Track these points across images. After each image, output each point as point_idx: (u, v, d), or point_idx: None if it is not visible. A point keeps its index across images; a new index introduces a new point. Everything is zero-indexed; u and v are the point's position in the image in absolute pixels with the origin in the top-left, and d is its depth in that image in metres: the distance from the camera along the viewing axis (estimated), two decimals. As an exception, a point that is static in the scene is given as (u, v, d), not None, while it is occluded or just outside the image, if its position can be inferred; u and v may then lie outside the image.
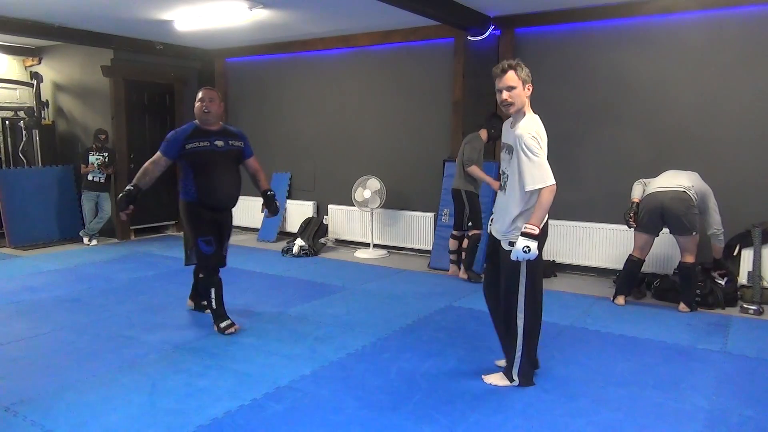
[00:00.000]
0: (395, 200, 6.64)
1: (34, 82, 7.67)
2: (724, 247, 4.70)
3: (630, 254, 4.63)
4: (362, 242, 6.93)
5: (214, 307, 3.96)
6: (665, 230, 4.54)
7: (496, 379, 3.13)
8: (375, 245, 6.71)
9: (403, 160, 6.66)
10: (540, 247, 2.88)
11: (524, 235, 2.81)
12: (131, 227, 7.47)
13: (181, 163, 3.88)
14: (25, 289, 5.02)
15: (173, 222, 8.02)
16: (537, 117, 2.93)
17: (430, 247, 6.35)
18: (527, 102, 2.92)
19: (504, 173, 3.04)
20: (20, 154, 7.50)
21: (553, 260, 5.70)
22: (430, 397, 2.97)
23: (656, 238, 4.58)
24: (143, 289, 4.94)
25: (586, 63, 5.48)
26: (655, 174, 4.68)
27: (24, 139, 7.47)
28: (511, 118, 3.03)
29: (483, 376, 3.18)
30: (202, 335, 3.88)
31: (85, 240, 7.12)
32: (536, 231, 2.80)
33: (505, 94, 2.87)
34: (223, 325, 3.92)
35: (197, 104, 3.86)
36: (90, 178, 6.95)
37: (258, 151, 7.77)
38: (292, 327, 4.07)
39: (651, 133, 5.22)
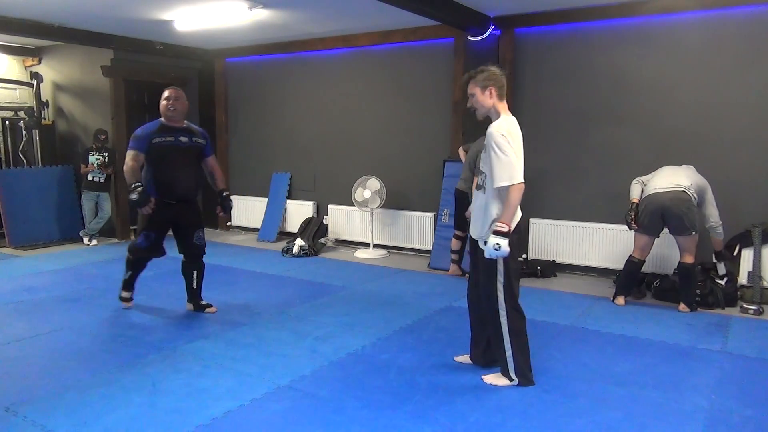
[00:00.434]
0: (395, 200, 6.64)
1: (34, 82, 7.67)
2: (724, 241, 4.68)
3: (630, 255, 4.62)
4: (362, 242, 6.93)
5: (125, 278, 4.41)
6: (665, 230, 4.54)
7: (494, 378, 3.15)
8: (375, 245, 6.71)
9: (403, 160, 6.66)
10: (514, 245, 2.94)
11: (495, 233, 2.88)
12: (131, 227, 7.47)
13: (146, 157, 4.07)
14: (25, 289, 5.02)
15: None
16: (512, 118, 3.01)
17: (430, 247, 6.35)
18: (500, 104, 2.99)
19: (482, 172, 3.09)
20: (20, 154, 7.50)
21: (553, 260, 5.70)
22: (430, 397, 2.97)
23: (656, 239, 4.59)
24: (143, 289, 4.92)
25: (586, 63, 5.48)
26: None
27: (24, 139, 7.47)
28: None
29: (483, 376, 3.19)
30: (202, 335, 3.88)
31: (85, 240, 7.13)
32: (506, 229, 2.87)
33: (469, 102, 3.05)
34: (123, 294, 4.44)
35: (163, 102, 4.12)
36: (90, 178, 6.95)
37: (258, 151, 7.88)
38: (292, 327, 4.07)
39: (651, 133, 5.22)
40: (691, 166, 4.59)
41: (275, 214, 7.55)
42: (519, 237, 3.07)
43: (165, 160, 4.06)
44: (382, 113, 6.76)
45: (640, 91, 5.25)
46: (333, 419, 2.74)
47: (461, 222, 5.45)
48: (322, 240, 6.98)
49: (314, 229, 6.79)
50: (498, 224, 2.89)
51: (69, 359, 3.47)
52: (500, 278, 3.01)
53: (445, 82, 6.24)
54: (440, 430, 2.64)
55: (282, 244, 6.86)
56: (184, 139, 4.15)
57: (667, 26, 5.09)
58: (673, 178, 4.44)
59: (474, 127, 5.48)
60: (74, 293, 4.89)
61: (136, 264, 4.36)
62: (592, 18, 5.32)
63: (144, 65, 7.58)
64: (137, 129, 4.14)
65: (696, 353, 3.62)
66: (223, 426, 2.68)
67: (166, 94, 4.14)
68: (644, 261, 4.62)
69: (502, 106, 3.00)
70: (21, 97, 7.81)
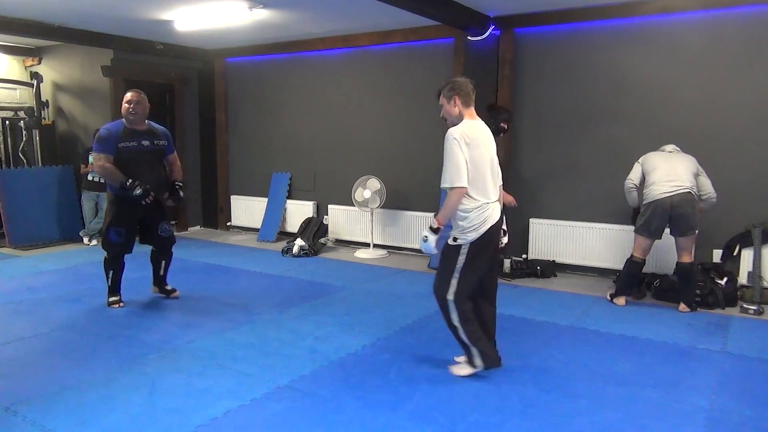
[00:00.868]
0: (395, 200, 6.64)
1: (34, 82, 7.66)
2: (724, 241, 4.67)
3: (632, 255, 4.60)
4: (362, 242, 6.93)
5: (109, 284, 4.51)
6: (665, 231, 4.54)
7: (460, 369, 3.22)
8: (375, 245, 6.71)
9: (403, 160, 6.66)
10: (478, 256, 3.07)
11: (430, 228, 3.09)
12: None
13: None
14: (25, 289, 5.02)
15: (173, 222, 8.02)
16: (476, 123, 3.16)
17: (430, 247, 6.34)
18: (466, 111, 3.17)
19: None
20: (20, 154, 7.50)
21: (553, 260, 5.70)
22: (430, 397, 2.98)
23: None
24: (143, 289, 4.93)
25: (586, 63, 5.48)
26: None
27: (24, 139, 7.47)
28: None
29: (449, 367, 3.26)
30: (202, 335, 3.88)
31: (85, 240, 7.13)
32: (436, 225, 3.08)
33: (441, 112, 3.29)
34: (111, 299, 4.49)
35: (125, 105, 4.26)
36: (90, 178, 6.95)
37: (258, 151, 7.88)
38: (292, 327, 4.07)
39: (651, 133, 5.21)
40: (677, 149, 4.53)
41: (275, 214, 7.55)
42: (486, 247, 3.12)
43: (129, 164, 4.25)
44: (382, 113, 6.76)
45: (640, 91, 5.25)
46: (333, 419, 2.74)
47: None
48: (322, 240, 6.98)
49: (314, 229, 6.79)
50: (432, 219, 3.12)
51: (69, 359, 3.47)
52: (457, 276, 3.10)
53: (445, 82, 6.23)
54: (440, 430, 2.64)
55: (282, 244, 6.86)
56: (146, 143, 4.33)
57: (667, 26, 5.09)
58: (672, 176, 4.37)
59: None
60: (74, 293, 4.89)
61: (113, 262, 4.47)
62: (592, 18, 5.31)
63: (144, 65, 7.58)
64: (101, 129, 4.31)
65: (696, 353, 3.62)
66: (223, 426, 2.68)
67: (128, 96, 4.27)
68: (645, 261, 4.61)
69: (468, 113, 3.17)
70: (21, 97, 7.81)
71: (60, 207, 7.35)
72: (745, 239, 4.75)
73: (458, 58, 6.05)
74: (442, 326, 4.08)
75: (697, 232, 4.37)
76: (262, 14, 5.69)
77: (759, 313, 4.41)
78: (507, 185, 5.96)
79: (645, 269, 4.98)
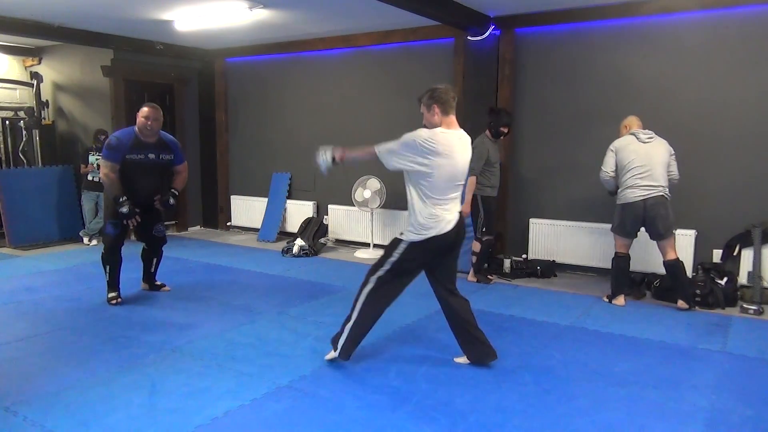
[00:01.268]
0: (395, 200, 6.63)
1: (34, 82, 7.66)
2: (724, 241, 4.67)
3: (616, 252, 4.63)
4: (362, 242, 6.93)
5: (108, 279, 4.56)
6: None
7: (329, 355, 3.38)
8: (375, 245, 6.71)
9: (403, 160, 6.64)
10: (413, 259, 3.19)
11: (333, 157, 3.29)
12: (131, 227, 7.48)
13: None
14: (25, 289, 5.02)
15: (173, 222, 8.02)
16: (452, 132, 3.15)
17: (430, 247, 6.34)
18: (445, 119, 3.16)
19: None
20: (20, 154, 7.50)
21: (553, 260, 5.70)
22: (430, 397, 2.98)
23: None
24: (143, 290, 4.94)
25: (586, 63, 5.48)
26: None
27: (24, 139, 7.47)
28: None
29: (326, 357, 3.38)
30: (202, 335, 3.88)
31: (85, 240, 7.13)
32: (338, 158, 3.29)
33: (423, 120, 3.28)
34: (110, 295, 4.54)
35: (141, 119, 4.34)
36: (90, 178, 6.94)
37: (258, 151, 7.88)
38: (292, 327, 4.07)
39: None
40: (651, 136, 4.49)
41: (275, 214, 7.55)
42: (425, 253, 3.21)
43: (129, 172, 4.36)
44: (382, 113, 6.76)
45: (641, 90, 5.25)
46: (333, 419, 2.74)
47: (477, 226, 5.29)
48: (322, 240, 6.98)
49: (314, 229, 6.79)
50: (339, 150, 3.30)
51: (69, 359, 3.46)
52: (384, 269, 3.23)
53: (445, 82, 6.19)
54: (440, 430, 2.64)
55: (282, 244, 6.86)
56: (151, 155, 4.43)
57: (668, 26, 5.09)
58: (646, 173, 4.36)
59: (474, 128, 5.49)
60: (74, 293, 4.89)
61: (111, 255, 4.52)
62: (593, 18, 5.31)
63: (144, 65, 7.59)
64: (111, 137, 4.41)
65: (696, 353, 3.62)
66: (223, 426, 2.68)
67: (145, 111, 4.35)
68: (629, 255, 4.61)
69: (447, 121, 3.16)
70: (21, 97, 7.81)
71: (60, 207, 7.35)
72: (745, 239, 4.75)
73: (458, 58, 6.05)
74: (442, 327, 4.08)
75: (675, 232, 4.37)
76: (262, 14, 5.69)
77: (759, 313, 4.41)
78: (507, 185, 5.99)
79: (645, 269, 4.99)
